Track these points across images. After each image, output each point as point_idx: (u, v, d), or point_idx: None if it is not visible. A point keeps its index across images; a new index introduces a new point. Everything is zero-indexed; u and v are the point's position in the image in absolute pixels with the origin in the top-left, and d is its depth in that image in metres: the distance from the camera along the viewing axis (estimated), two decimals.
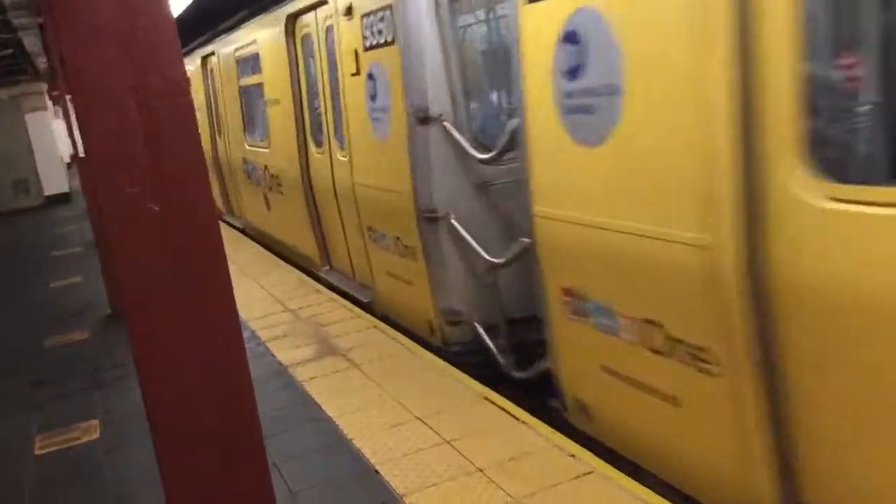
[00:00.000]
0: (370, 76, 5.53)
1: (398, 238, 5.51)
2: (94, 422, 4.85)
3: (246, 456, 2.69)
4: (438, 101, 4.89)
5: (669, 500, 3.14)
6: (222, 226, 11.72)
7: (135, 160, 2.39)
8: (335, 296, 6.89)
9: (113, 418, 4.90)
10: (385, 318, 6.04)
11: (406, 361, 5.07)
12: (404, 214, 5.24)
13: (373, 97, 5.52)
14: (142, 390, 2.58)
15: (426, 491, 3.43)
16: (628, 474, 3.39)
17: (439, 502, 3.32)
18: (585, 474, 3.39)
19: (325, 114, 6.84)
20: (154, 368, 2.50)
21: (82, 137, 2.46)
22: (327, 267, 7.65)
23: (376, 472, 3.66)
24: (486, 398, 4.31)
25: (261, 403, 4.56)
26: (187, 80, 2.48)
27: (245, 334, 5.92)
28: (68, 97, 7.67)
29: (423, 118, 4.89)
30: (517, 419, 4.00)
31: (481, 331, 4.94)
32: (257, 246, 9.92)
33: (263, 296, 7.20)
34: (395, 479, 3.57)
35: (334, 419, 4.32)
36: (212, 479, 2.62)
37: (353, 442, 4.01)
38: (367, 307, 6.33)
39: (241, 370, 2.63)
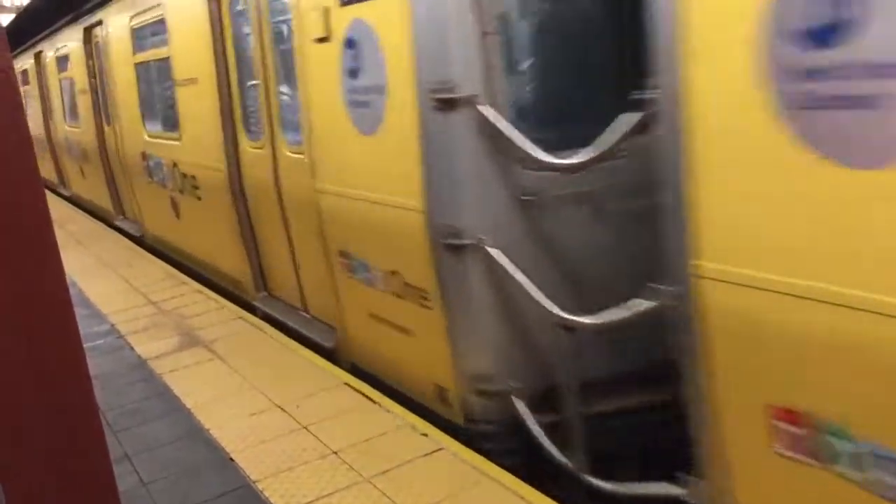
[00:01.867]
0: (349, 43, 4.00)
1: (395, 272, 4.00)
2: None
3: (85, 448, 2.66)
4: (470, 75, 3.38)
5: (506, 470, 3.31)
6: (81, 213, 11.40)
7: None
8: (201, 287, 6.78)
9: None
10: (357, 372, 4.63)
11: (269, 349, 5.07)
12: (408, 240, 3.77)
13: (353, 73, 4.00)
14: None
15: (280, 475, 3.48)
16: (476, 451, 3.54)
17: (290, 485, 3.37)
18: (435, 451, 3.52)
19: (267, 97, 5.25)
20: None
21: None
22: (264, 293, 6.10)
23: (231, 459, 3.68)
24: (347, 383, 4.38)
25: (116, 397, 4.53)
26: (12, 66, 2.42)
27: (103, 328, 5.83)
28: None
29: (447, 101, 3.40)
30: (374, 402, 4.09)
31: (522, 407, 3.51)
32: (119, 236, 9.60)
33: (125, 288, 6.99)
34: (250, 465, 3.60)
35: (192, 410, 4.29)
36: (51, 475, 2.58)
37: (210, 432, 4.00)
38: (325, 352, 4.95)
39: (76, 357, 2.58)
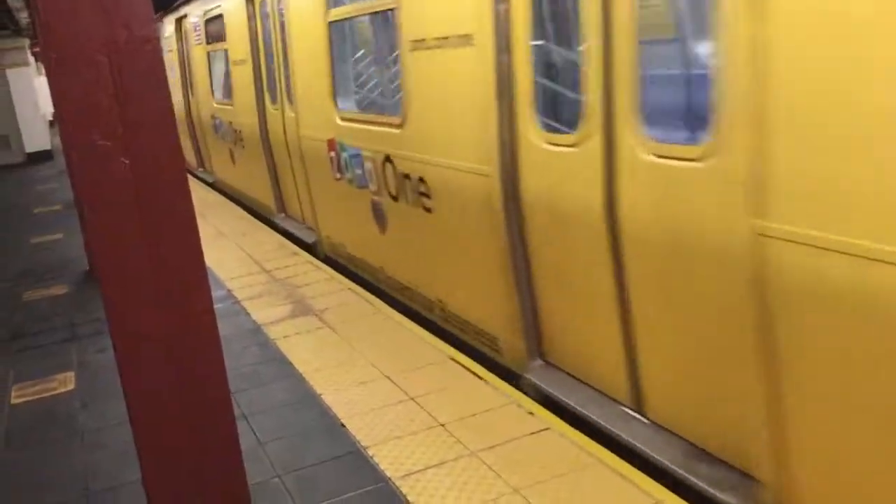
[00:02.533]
0: None
1: None
2: (70, 374, 4.95)
3: (212, 409, 2.80)
4: None
5: (618, 455, 3.28)
6: (199, 186, 11.86)
7: (106, 114, 2.46)
8: (311, 258, 6.98)
9: (88, 371, 4.99)
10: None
11: (377, 322, 5.18)
12: None
13: None
14: (113, 342, 2.68)
15: (389, 443, 3.57)
16: (584, 433, 3.53)
17: (399, 453, 3.45)
18: (541, 430, 3.53)
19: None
20: (123, 320, 2.60)
21: (53, 92, 2.53)
22: (539, 361, 4.14)
23: (342, 425, 3.79)
24: (452, 358, 4.44)
25: (233, 360, 4.72)
26: (157, 36, 2.54)
27: (221, 293, 6.08)
28: None
29: None
30: (481, 378, 4.13)
31: None
32: (236, 208, 9.96)
33: (241, 256, 7.28)
34: (360, 432, 3.70)
35: (305, 376, 4.44)
36: (180, 430, 2.73)
37: (322, 397, 4.14)
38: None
39: (208, 321, 2.72)
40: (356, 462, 3.45)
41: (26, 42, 18.33)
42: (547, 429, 3.54)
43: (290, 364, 4.63)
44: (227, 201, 10.50)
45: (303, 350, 4.83)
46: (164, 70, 2.56)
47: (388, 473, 3.31)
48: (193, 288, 2.66)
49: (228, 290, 6.20)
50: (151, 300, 2.59)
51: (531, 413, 3.70)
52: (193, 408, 2.74)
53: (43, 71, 21.24)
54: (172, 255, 2.60)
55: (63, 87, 2.47)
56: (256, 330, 5.27)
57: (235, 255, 7.32)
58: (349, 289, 5.96)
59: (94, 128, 2.46)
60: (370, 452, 3.50)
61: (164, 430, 2.72)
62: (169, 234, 2.59)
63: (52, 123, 21.16)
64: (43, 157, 18.31)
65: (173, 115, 2.59)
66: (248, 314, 5.60)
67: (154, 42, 2.51)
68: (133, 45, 2.46)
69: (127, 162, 2.51)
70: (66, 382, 4.82)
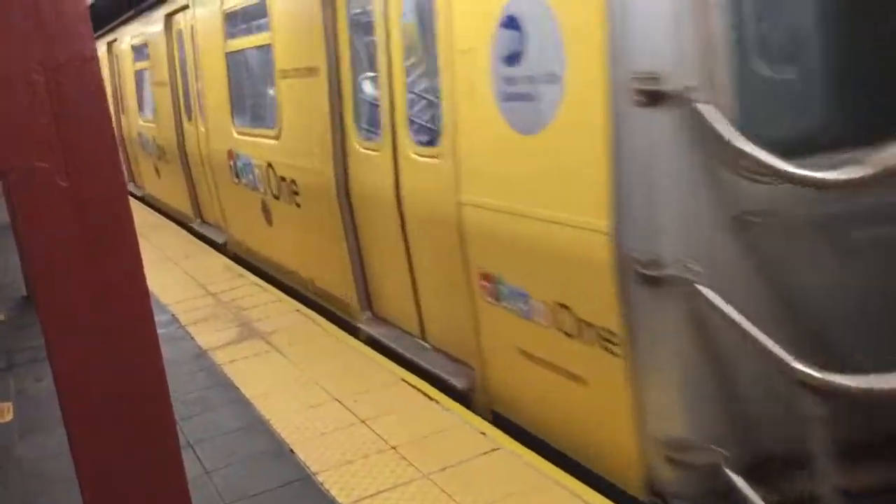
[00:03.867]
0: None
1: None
2: (8, 404, 4.77)
3: (157, 435, 2.72)
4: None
5: (570, 474, 3.29)
6: (140, 207, 11.62)
7: (43, 135, 2.39)
8: (258, 279, 6.88)
9: (26, 401, 4.82)
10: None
11: (327, 344, 5.12)
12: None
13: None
14: (52, 370, 2.59)
15: (340, 468, 3.51)
16: (533, 450, 3.53)
17: (351, 479, 3.40)
18: (493, 450, 3.52)
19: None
20: (63, 346, 2.51)
21: None
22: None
23: (291, 451, 3.72)
24: (403, 379, 4.40)
25: (178, 386, 4.61)
26: (96, 56, 2.49)
27: (164, 318, 5.94)
28: None
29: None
30: (431, 399, 4.10)
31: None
32: (178, 229, 9.79)
33: (185, 279, 7.13)
34: (310, 457, 3.64)
35: (252, 401, 4.35)
36: (123, 460, 2.64)
37: (271, 423, 4.06)
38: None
39: (151, 348, 2.64)
40: (306, 489, 3.39)
41: None
42: (498, 448, 3.53)
43: (237, 389, 4.54)
44: (170, 223, 10.32)
45: (250, 374, 4.74)
46: (103, 89, 2.50)
47: (340, 500, 3.26)
48: (137, 316, 2.58)
49: (172, 315, 6.06)
50: (93, 328, 2.51)
51: (482, 433, 3.68)
52: (137, 438, 2.65)
53: None
54: (115, 281, 2.53)
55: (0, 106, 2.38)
56: (201, 355, 5.16)
57: (179, 279, 7.17)
58: (297, 310, 5.88)
59: (31, 149, 2.38)
60: (320, 479, 3.44)
61: (107, 461, 2.62)
62: (111, 258, 2.51)
63: None
64: None
65: (114, 135, 2.53)
66: (192, 339, 5.48)
67: (94, 61, 2.45)
68: (73, 65, 2.40)
69: (65, 184, 2.43)
70: (3, 413, 4.65)
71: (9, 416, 4.62)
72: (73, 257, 2.46)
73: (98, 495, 2.64)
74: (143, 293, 2.62)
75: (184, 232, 9.58)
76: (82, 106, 2.45)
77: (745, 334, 2.60)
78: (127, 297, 2.58)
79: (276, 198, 6.37)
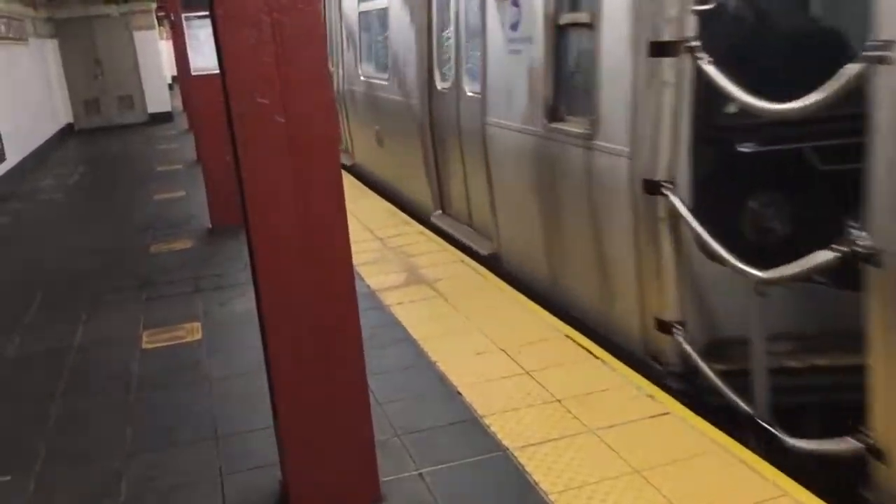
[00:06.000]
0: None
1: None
2: (197, 324, 5.18)
3: (345, 359, 2.89)
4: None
5: (739, 441, 3.22)
6: None
7: (266, 73, 2.55)
8: (423, 228, 7.06)
9: (212, 323, 5.22)
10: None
11: (491, 295, 5.21)
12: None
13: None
14: (257, 290, 2.79)
15: (505, 415, 3.59)
16: (703, 417, 3.47)
17: (516, 424, 3.47)
18: (662, 414, 3.48)
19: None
20: (270, 269, 2.70)
21: (219, 51, 2.62)
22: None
23: (458, 393, 3.84)
24: (567, 336, 4.42)
25: None
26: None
27: None
28: (187, 15, 7.84)
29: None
30: (596, 357, 4.10)
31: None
32: (349, 177, 10.15)
33: (353, 222, 7.39)
34: (477, 401, 3.74)
35: (419, 342, 4.51)
36: (315, 378, 2.83)
37: (437, 365, 4.19)
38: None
39: (347, 278, 2.81)
40: (473, 429, 3.50)
41: (153, 5, 19.08)
42: (667, 413, 3.49)
43: (405, 329, 4.72)
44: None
45: (417, 317, 4.91)
46: (322, 31, 2.63)
47: (506, 443, 3.34)
48: (336, 241, 2.75)
49: None
50: (297, 250, 2.68)
51: (651, 396, 3.65)
52: (328, 357, 2.83)
53: (167, 35, 22.11)
54: (319, 211, 2.69)
55: (227, 45, 2.56)
56: (371, 295, 5.38)
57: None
58: (461, 261, 6.00)
59: (254, 85, 2.54)
60: (487, 422, 3.54)
61: (300, 377, 2.82)
62: (318, 191, 2.67)
63: (170, 87, 22.03)
64: (164, 118, 19.10)
65: (328, 76, 2.66)
66: (362, 279, 5.72)
67: (315, 3, 2.58)
68: (296, 7, 2.53)
69: (283, 121, 2.59)
70: (193, 332, 5.06)
71: (198, 335, 5.03)
72: (284, 184, 2.63)
73: (290, 410, 2.85)
74: (343, 227, 2.78)
75: (349, 177, 9.94)
76: (301, 47, 2.59)
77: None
78: (329, 230, 2.74)
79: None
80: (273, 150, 2.61)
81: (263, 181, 2.62)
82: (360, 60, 9.30)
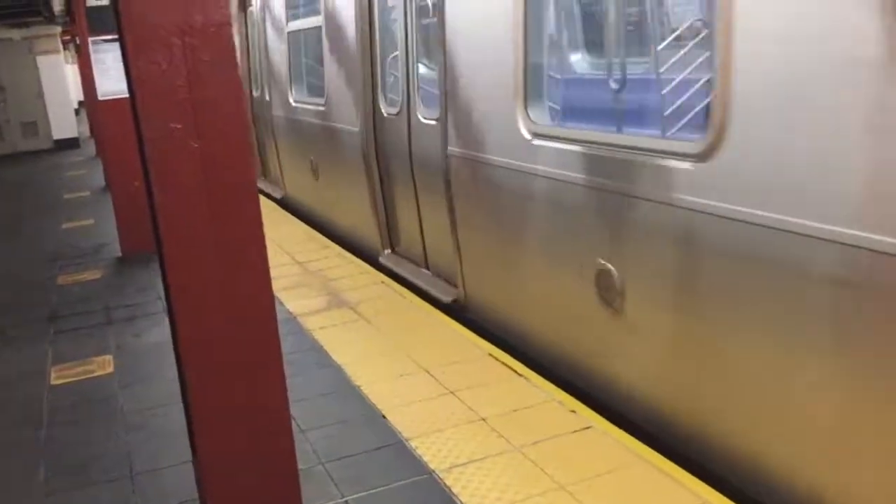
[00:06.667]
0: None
1: None
2: (109, 357, 4.99)
3: (269, 387, 2.83)
4: None
5: (663, 455, 3.28)
6: None
7: (179, 98, 2.49)
8: (343, 251, 7.01)
9: (125, 355, 5.04)
10: None
11: (413, 316, 5.20)
12: None
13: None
14: (172, 319, 2.71)
15: (431, 436, 3.58)
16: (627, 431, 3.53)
17: (443, 446, 3.47)
18: (585, 429, 3.53)
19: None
20: (185, 297, 2.62)
21: (128, 74, 2.56)
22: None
23: (383, 416, 3.81)
24: (490, 354, 4.44)
25: None
26: (230, 21, 2.57)
27: None
28: (100, 38, 7.58)
29: None
30: (519, 375, 4.14)
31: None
32: (265, 200, 10.00)
33: (272, 247, 7.29)
34: (402, 423, 3.72)
35: (342, 367, 4.46)
36: (236, 410, 2.75)
37: (361, 388, 4.15)
38: None
39: (267, 304, 2.75)
40: (400, 453, 3.47)
41: (58, 30, 18.49)
42: (590, 427, 3.54)
43: (328, 354, 4.66)
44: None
45: (339, 341, 4.86)
46: (235, 55, 2.59)
47: (433, 466, 3.33)
48: (255, 267, 2.69)
49: None
50: (213, 278, 2.62)
51: (573, 411, 3.70)
52: (249, 387, 2.76)
53: (72, 59, 21.42)
54: (236, 236, 2.63)
55: (138, 69, 2.49)
56: (292, 320, 5.30)
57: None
58: (382, 282, 5.98)
59: (167, 110, 2.48)
60: (413, 444, 3.52)
61: (219, 409, 2.73)
62: (234, 217, 2.61)
63: (77, 112, 21.33)
64: (70, 144, 18.45)
65: (243, 99, 2.62)
66: (283, 304, 5.63)
67: (227, 27, 2.54)
68: (207, 30, 2.49)
69: (196, 145, 2.53)
70: (104, 365, 4.87)
71: (109, 369, 4.84)
72: (199, 212, 2.57)
73: (211, 441, 2.76)
74: (262, 252, 2.73)
75: (269, 203, 9.80)
76: (214, 70, 2.54)
77: None
78: (247, 255, 2.68)
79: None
80: (187, 175, 2.54)
81: (177, 207, 2.55)
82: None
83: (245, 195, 2.64)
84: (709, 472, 3.19)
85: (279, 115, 9.04)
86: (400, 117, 5.98)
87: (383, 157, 6.37)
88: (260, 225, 2.68)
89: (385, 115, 6.23)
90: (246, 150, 2.63)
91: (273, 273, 6.40)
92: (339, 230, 7.71)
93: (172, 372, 2.79)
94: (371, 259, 6.68)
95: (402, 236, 6.41)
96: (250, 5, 9.79)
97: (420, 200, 5.85)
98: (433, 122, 5.37)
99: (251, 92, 10.08)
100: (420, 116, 5.64)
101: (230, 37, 2.58)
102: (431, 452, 3.43)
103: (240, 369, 2.71)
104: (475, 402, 3.87)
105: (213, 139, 2.54)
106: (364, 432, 3.69)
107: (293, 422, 3.77)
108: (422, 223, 5.91)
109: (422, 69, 5.70)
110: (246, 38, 10.23)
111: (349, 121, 6.76)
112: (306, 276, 6.34)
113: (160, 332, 5.22)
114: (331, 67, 7.05)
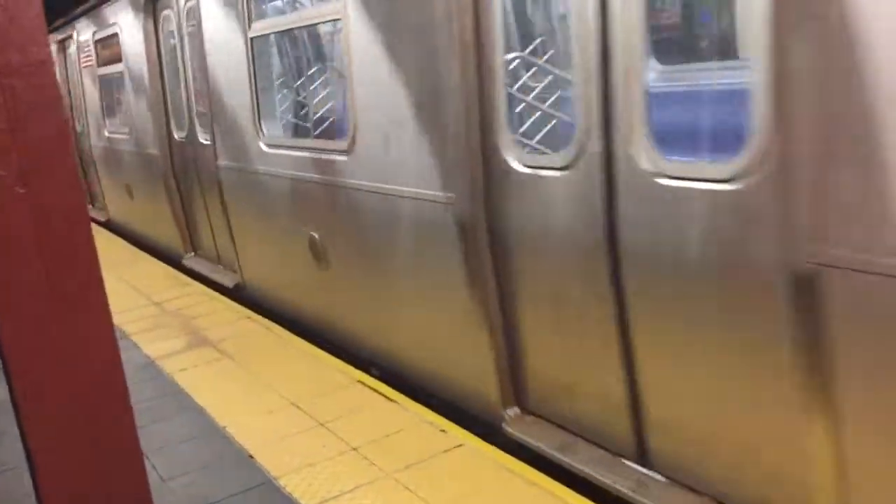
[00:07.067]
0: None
1: None
2: None
3: (120, 440, 2.68)
4: None
5: (532, 467, 3.35)
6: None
7: (1, 142, 2.34)
8: (204, 287, 6.78)
9: None
10: None
11: (279, 350, 5.09)
12: None
13: None
14: (8, 380, 2.53)
15: (302, 472, 3.50)
16: (499, 447, 3.58)
17: (314, 481, 3.40)
18: (456, 447, 3.56)
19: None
20: (21, 355, 2.45)
21: None
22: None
23: (250, 456, 3.69)
24: (360, 381, 4.41)
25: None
26: (51, 59, 2.45)
27: None
28: None
29: None
30: (390, 399, 4.12)
31: None
32: (120, 239, 9.58)
33: (126, 289, 6.98)
34: (271, 462, 3.62)
35: (206, 408, 4.30)
36: (84, 468, 2.60)
37: (227, 429, 4.01)
38: None
39: (110, 350, 2.61)
40: (269, 494, 3.37)
41: None
42: (460, 445, 3.57)
43: (190, 397, 4.48)
44: (100, 228, 10.10)
45: (202, 382, 4.68)
46: (59, 93, 2.46)
47: (303, 502, 3.25)
48: (94, 313, 2.56)
49: (117, 325, 5.91)
50: (52, 336, 2.47)
51: (443, 430, 3.72)
52: (99, 448, 2.61)
53: None
54: (71, 281, 2.50)
55: None
56: (149, 364, 5.07)
57: (120, 287, 7.02)
58: (247, 317, 5.82)
59: None
60: (282, 482, 3.43)
61: (67, 469, 2.57)
62: (69, 265, 2.48)
63: None
64: None
65: (70, 138, 2.49)
66: (139, 348, 5.38)
67: (49, 64, 2.41)
68: (27, 69, 2.36)
69: (23, 191, 2.39)
70: None
71: None
72: (30, 264, 2.42)
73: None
74: (102, 300, 2.60)
75: (122, 241, 9.38)
76: (37, 111, 2.41)
77: None
78: (85, 305, 2.54)
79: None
80: (15, 222, 2.39)
81: (5, 257, 2.39)
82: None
83: (78, 237, 2.50)
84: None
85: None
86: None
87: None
88: (97, 268, 2.55)
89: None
90: (76, 190, 2.50)
91: (128, 316, 6.13)
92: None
93: (15, 429, 2.60)
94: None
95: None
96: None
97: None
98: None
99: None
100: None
101: (53, 75, 2.45)
102: (302, 489, 3.35)
103: (84, 423, 2.55)
104: (346, 432, 3.82)
105: (41, 183, 2.40)
106: (230, 475, 3.56)
107: (154, 471, 3.61)
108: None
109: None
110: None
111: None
112: (164, 316, 6.08)
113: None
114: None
